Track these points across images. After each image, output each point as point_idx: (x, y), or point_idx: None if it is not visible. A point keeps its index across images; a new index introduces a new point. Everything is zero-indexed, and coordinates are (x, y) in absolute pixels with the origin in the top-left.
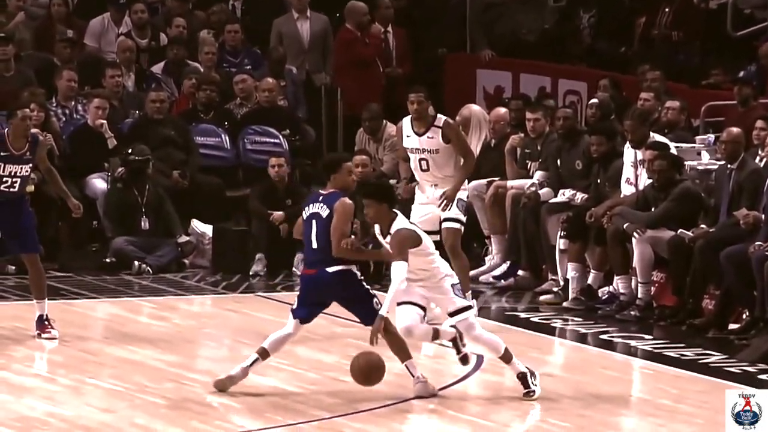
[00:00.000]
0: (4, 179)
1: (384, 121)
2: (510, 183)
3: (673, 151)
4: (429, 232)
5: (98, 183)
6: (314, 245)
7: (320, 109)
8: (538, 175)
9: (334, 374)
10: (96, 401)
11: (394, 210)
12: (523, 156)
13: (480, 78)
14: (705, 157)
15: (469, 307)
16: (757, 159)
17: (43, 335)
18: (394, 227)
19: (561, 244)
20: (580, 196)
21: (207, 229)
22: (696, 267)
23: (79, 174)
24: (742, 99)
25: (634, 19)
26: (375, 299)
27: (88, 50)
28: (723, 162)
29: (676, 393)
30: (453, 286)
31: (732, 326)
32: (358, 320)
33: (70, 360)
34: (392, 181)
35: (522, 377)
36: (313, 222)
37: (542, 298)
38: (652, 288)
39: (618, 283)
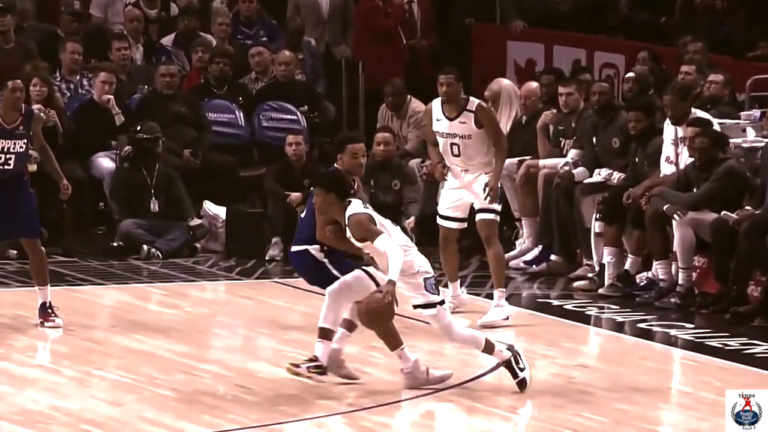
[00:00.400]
0: None
1: (408, 97)
2: (542, 162)
3: (716, 127)
4: (459, 219)
5: (105, 162)
6: (300, 224)
7: (340, 84)
8: (572, 153)
9: (356, 365)
10: (102, 394)
11: (347, 200)
12: (556, 133)
13: (510, 50)
14: (750, 133)
15: (441, 302)
16: None
17: (46, 324)
18: (347, 215)
19: (596, 227)
20: (616, 176)
21: (220, 212)
22: (741, 251)
23: (85, 153)
24: None
25: None
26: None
27: (93, 21)
28: None
29: (719, 385)
30: (426, 280)
31: None
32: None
33: (75, 350)
34: (417, 161)
35: (507, 365)
36: (309, 201)
37: (576, 284)
38: (694, 274)
39: (657, 269)
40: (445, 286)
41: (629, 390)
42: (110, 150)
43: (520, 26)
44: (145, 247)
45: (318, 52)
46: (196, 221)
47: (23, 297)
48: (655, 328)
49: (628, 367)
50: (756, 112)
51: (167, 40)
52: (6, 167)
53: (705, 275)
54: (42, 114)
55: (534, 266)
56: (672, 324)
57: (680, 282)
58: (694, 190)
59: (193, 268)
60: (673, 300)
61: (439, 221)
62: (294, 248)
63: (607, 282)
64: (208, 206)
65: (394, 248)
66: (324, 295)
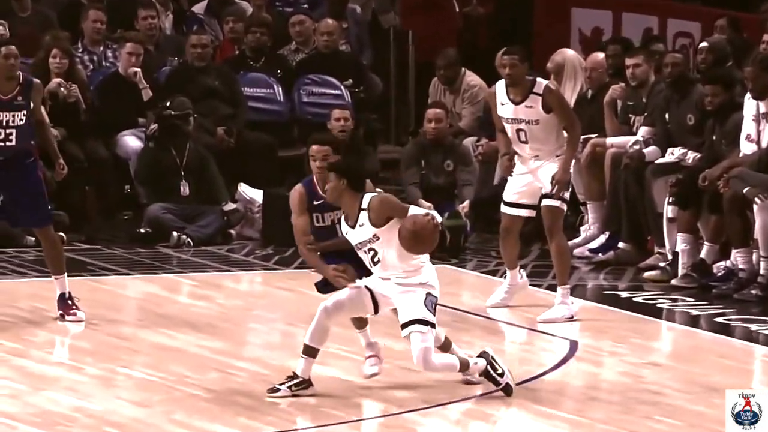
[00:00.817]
0: None
1: (462, 69)
2: (610, 140)
3: None
4: (525, 206)
5: (131, 141)
6: None
7: (388, 55)
8: (643, 131)
9: (404, 362)
10: (128, 394)
11: (361, 192)
12: (624, 109)
13: (575, 18)
14: None
15: (432, 325)
16: None
17: (67, 317)
18: (366, 201)
19: (669, 211)
20: (691, 156)
21: (257, 195)
22: None
23: (109, 131)
24: None
25: None
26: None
27: None
28: None
29: None
30: (428, 295)
31: None
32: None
33: (99, 346)
34: (472, 139)
35: (486, 374)
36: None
37: (647, 274)
38: None
39: (736, 258)
40: (550, 288)
41: (705, 390)
42: (137, 128)
43: None
44: (174, 233)
45: (364, 20)
46: (230, 206)
47: (41, 288)
48: (733, 323)
49: (703, 365)
50: None
51: (199, 8)
52: (8, 143)
53: None
54: (62, 88)
55: (600, 255)
56: (753, 318)
57: (762, 272)
58: None
59: (227, 256)
60: (753, 292)
61: (504, 209)
62: None
63: (680, 272)
64: (244, 189)
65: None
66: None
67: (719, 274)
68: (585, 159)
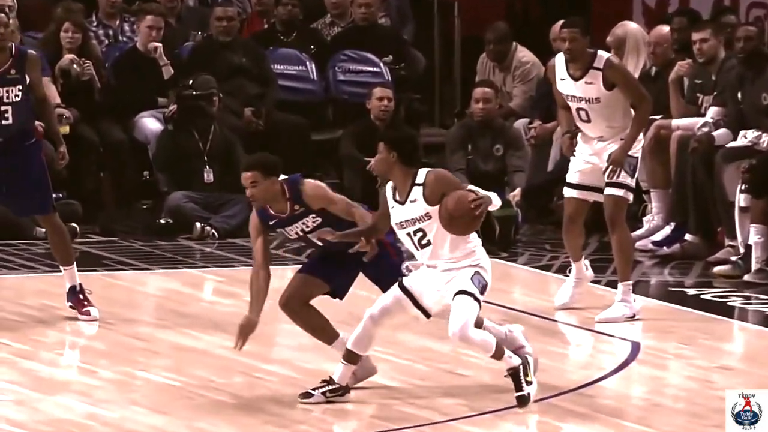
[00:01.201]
0: None
1: (513, 44)
2: (675, 122)
3: None
4: (591, 188)
5: (150, 123)
6: None
7: (432, 29)
8: (712, 111)
9: (449, 366)
10: (146, 400)
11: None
12: (692, 87)
13: None
14: None
15: (476, 299)
16: None
17: (79, 316)
18: (421, 176)
19: (741, 200)
20: (766, 139)
21: None
22: None
23: (127, 112)
24: None
25: None
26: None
27: None
28: None
29: None
30: (477, 273)
31: None
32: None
33: (114, 347)
34: (523, 121)
35: (514, 374)
36: None
37: (717, 269)
38: None
39: None
40: (610, 285)
41: None
42: (156, 109)
43: None
44: (197, 224)
45: None
46: None
47: (51, 284)
48: None
49: None
50: None
51: None
52: (3, 122)
53: None
54: (75, 65)
55: (665, 248)
56: None
57: None
58: None
59: None
60: None
61: (567, 192)
62: None
63: (754, 267)
64: None
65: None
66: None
67: None
68: (648, 143)
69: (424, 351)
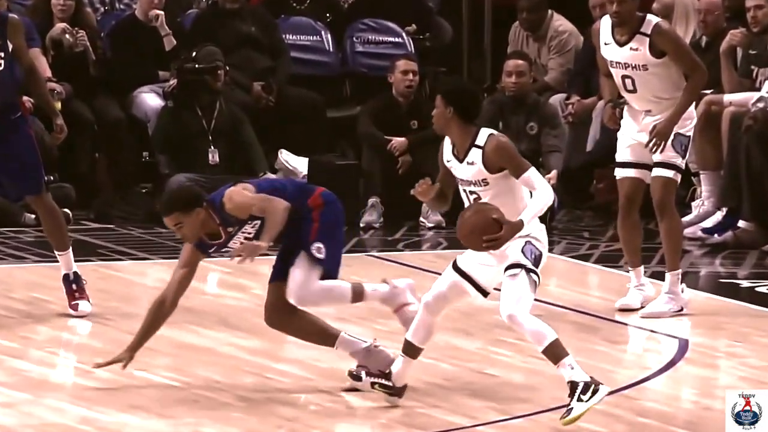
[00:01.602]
0: None
1: (549, 12)
2: (728, 97)
3: None
4: (638, 165)
5: (150, 99)
6: None
7: None
8: None
9: (477, 365)
10: (146, 403)
11: (473, 125)
12: (746, 59)
13: None
14: None
15: (532, 272)
16: None
17: (69, 309)
18: (482, 137)
19: None
20: None
21: (301, 164)
22: None
23: (125, 86)
24: None
25: None
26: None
27: None
28: None
29: None
30: (528, 243)
31: None
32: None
33: (111, 345)
34: (560, 97)
35: (573, 386)
36: None
37: None
38: None
39: None
40: (655, 277)
41: None
42: (157, 83)
43: None
44: None
45: None
46: (269, 176)
47: (42, 275)
48: None
49: None
50: None
51: None
52: None
53: None
54: (67, 35)
55: (716, 235)
56: None
57: None
58: None
59: None
60: None
61: (619, 172)
62: None
63: None
64: (286, 157)
65: (546, 188)
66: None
67: None
68: (698, 120)
69: (450, 349)
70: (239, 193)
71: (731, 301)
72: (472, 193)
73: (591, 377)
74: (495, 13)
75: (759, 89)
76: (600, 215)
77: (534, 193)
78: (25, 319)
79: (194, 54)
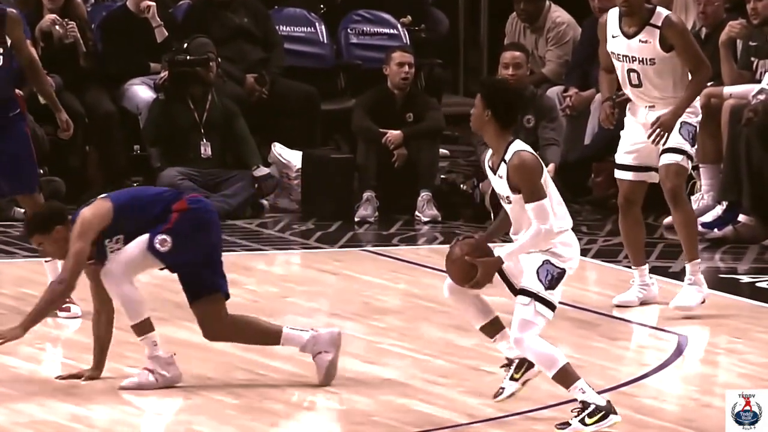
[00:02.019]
0: None
1: (546, 3)
2: (728, 90)
3: None
4: (644, 168)
5: (141, 91)
6: None
7: None
8: None
9: (474, 362)
10: (138, 400)
11: (510, 130)
12: (746, 51)
13: None
14: None
15: (541, 300)
16: None
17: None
18: (510, 151)
19: None
20: None
21: (294, 157)
22: None
23: (116, 79)
24: None
25: None
26: None
27: None
28: None
29: None
30: (545, 263)
31: None
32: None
33: None
34: (557, 89)
35: (583, 406)
36: None
37: None
38: None
39: None
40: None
41: None
42: (148, 75)
43: None
44: None
45: None
46: (262, 170)
47: (31, 270)
48: None
49: None
50: None
51: None
52: None
53: None
54: (57, 26)
55: (716, 230)
56: None
57: None
58: None
59: (258, 232)
60: None
61: (618, 174)
62: None
63: None
64: (279, 150)
65: (546, 228)
66: None
67: None
68: None
69: (446, 345)
70: (80, 222)
71: (731, 297)
72: (504, 204)
73: (607, 401)
74: (491, 4)
75: (759, 81)
76: (598, 209)
77: (529, 229)
78: (14, 315)
79: (186, 46)
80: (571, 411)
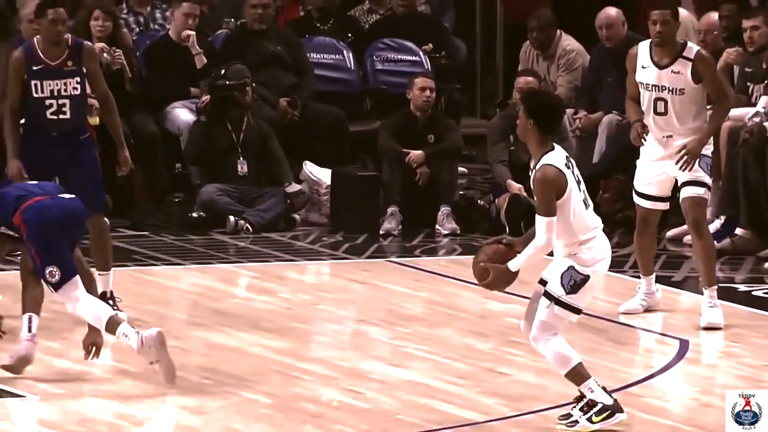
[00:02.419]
0: (48, 103)
1: (557, 32)
2: None
3: None
4: (661, 198)
5: (182, 114)
6: None
7: (473, 17)
8: (764, 101)
9: (490, 364)
10: (180, 399)
11: (551, 140)
12: (742, 76)
13: None
14: None
15: (557, 301)
16: None
17: None
18: (543, 161)
19: None
20: None
21: (324, 175)
22: None
23: (159, 102)
24: None
25: None
26: None
27: None
28: None
29: None
30: (570, 268)
31: None
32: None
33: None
34: (568, 112)
35: (590, 405)
36: None
37: None
38: None
39: None
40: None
41: None
42: (189, 99)
43: None
44: (231, 218)
45: None
46: (294, 187)
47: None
48: None
49: None
50: None
51: None
52: (62, 116)
53: None
54: (105, 54)
55: (715, 242)
56: None
57: None
58: None
59: (290, 244)
60: None
61: (637, 200)
62: None
63: None
64: (310, 169)
65: (544, 242)
66: None
67: None
68: None
69: (465, 349)
70: None
71: (729, 304)
72: None
73: (614, 400)
74: (507, 33)
75: (755, 105)
76: (606, 223)
77: (534, 241)
78: (66, 322)
79: (224, 72)
80: (572, 408)
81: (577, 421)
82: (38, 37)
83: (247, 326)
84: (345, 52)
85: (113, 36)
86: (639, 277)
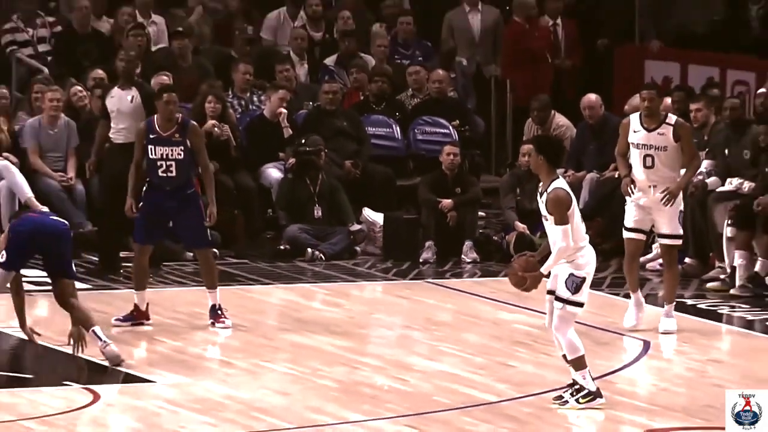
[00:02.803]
0: (159, 164)
1: (552, 112)
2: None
3: None
4: (644, 231)
5: (273, 172)
6: None
7: (489, 101)
8: (706, 164)
9: (502, 359)
10: (271, 384)
11: (557, 169)
12: None
13: (648, 69)
14: None
15: (566, 301)
16: None
17: (216, 324)
18: (554, 186)
19: (728, 231)
20: (747, 185)
21: (378, 218)
22: None
23: (255, 164)
24: None
25: None
26: None
27: (264, 44)
28: None
29: None
30: (571, 275)
31: None
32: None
33: (246, 344)
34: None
35: (578, 390)
36: None
37: (709, 285)
38: None
39: None
40: (627, 296)
41: (759, 382)
42: (278, 161)
43: (657, 46)
44: (309, 250)
45: (469, 71)
46: (356, 226)
47: (198, 296)
48: None
49: (758, 362)
50: None
51: (330, 61)
52: (170, 174)
53: None
54: (216, 128)
55: None
56: None
57: None
58: None
59: (353, 269)
60: None
61: (626, 234)
62: None
63: (738, 283)
64: (367, 213)
65: (564, 246)
66: None
67: None
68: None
69: (483, 347)
70: None
71: (680, 314)
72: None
73: (597, 388)
74: (514, 113)
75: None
76: None
77: (557, 245)
78: (186, 327)
79: (304, 141)
80: (564, 391)
81: (567, 402)
82: (158, 114)
83: (321, 330)
84: (394, 126)
85: (222, 114)
86: (616, 295)
